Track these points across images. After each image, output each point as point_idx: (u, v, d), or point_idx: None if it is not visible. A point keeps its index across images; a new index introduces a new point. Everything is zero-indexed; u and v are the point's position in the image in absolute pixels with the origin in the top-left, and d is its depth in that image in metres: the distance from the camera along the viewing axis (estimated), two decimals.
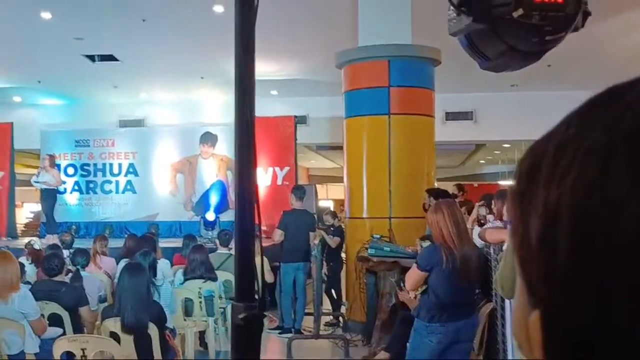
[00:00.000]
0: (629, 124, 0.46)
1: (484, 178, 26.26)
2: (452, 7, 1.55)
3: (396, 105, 9.16)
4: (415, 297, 5.17)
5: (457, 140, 16.23)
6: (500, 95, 15.26)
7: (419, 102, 9.35)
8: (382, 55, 9.15)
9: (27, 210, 25.53)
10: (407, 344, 4.54)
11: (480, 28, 1.52)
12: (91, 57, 13.04)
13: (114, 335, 5.15)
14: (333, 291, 10.30)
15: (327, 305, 9.99)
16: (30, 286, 6.00)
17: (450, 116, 15.59)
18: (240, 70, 1.44)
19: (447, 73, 10.31)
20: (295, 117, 14.94)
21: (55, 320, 5.87)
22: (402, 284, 5.64)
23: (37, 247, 9.12)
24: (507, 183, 20.66)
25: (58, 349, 4.91)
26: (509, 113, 15.20)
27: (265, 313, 6.35)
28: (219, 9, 10.45)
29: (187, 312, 7.33)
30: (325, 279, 9.81)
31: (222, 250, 8.63)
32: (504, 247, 3.84)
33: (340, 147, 9.99)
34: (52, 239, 10.99)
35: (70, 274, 6.75)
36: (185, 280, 7.48)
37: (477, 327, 4.77)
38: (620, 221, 0.44)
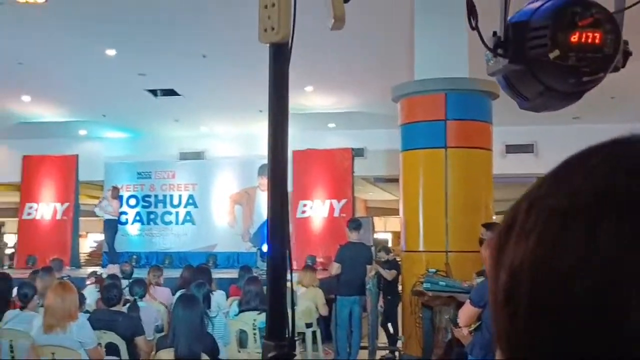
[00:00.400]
0: (590, 190, 0.47)
1: None
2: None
3: (453, 139, 9.08)
4: (470, 334, 5.08)
5: (517, 173, 15.97)
6: (562, 129, 14.99)
7: (476, 135, 9.26)
8: (439, 89, 9.11)
9: (91, 240, 26.18)
10: None
11: (517, 69, 1.52)
12: (153, 92, 13.41)
13: None
14: (390, 325, 10.19)
15: (383, 339, 9.88)
16: (88, 315, 6.14)
17: (511, 149, 15.39)
18: (273, 107, 1.47)
19: (507, 105, 10.12)
20: (353, 149, 15.00)
21: (112, 350, 5.98)
22: (457, 320, 5.56)
23: (104, 276, 9.35)
24: None
25: None
26: (571, 146, 14.18)
27: (321, 346, 6.33)
28: None
29: (242, 343, 7.36)
30: (382, 312, 9.72)
31: None
32: None
33: (397, 180, 9.95)
34: (113, 269, 11.24)
35: (128, 304, 6.89)
36: (240, 311, 7.53)
37: None
38: (572, 287, 0.45)
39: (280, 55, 1.44)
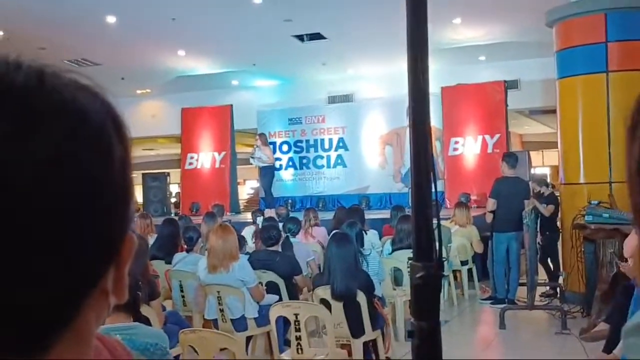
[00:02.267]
0: None
1: None
2: None
3: (615, 62, 8.51)
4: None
5: None
6: None
7: None
8: (598, 9, 8.56)
9: (248, 187, 27.23)
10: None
11: None
12: (300, 37, 13.49)
13: (325, 302, 5.33)
14: (550, 261, 9.85)
15: (542, 275, 9.59)
16: (248, 256, 6.39)
17: None
18: (412, 38, 1.38)
19: None
20: (505, 81, 14.42)
21: (272, 288, 6.21)
22: (622, 253, 5.27)
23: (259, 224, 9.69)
24: None
25: (273, 314, 5.18)
26: None
27: (477, 283, 6.23)
28: None
29: (397, 281, 7.40)
30: (540, 247, 9.42)
31: None
32: None
33: (555, 111, 9.48)
34: (270, 213, 11.61)
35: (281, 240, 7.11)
36: (394, 250, 7.55)
37: None
38: None
39: None
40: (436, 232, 1.40)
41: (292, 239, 7.34)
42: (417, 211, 1.41)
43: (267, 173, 14.31)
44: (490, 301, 8.95)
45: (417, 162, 1.42)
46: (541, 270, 9.46)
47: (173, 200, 18.40)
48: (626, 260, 4.95)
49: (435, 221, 1.43)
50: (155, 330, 3.63)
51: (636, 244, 4.09)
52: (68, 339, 0.58)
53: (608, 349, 5.14)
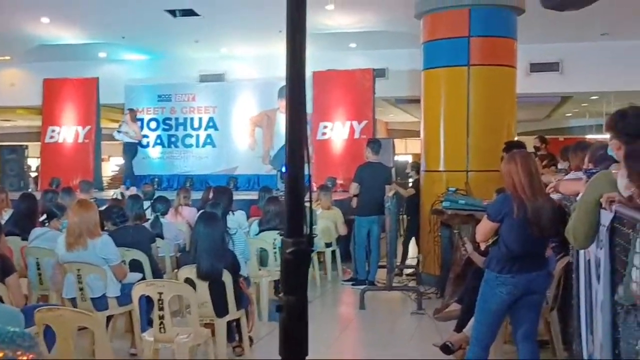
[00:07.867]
0: None
1: (570, 132, 25.43)
2: None
3: (476, 56, 8.92)
4: (484, 249, 5.11)
5: (541, 92, 15.71)
6: (589, 46, 14.60)
7: (500, 52, 9.07)
8: (463, 4, 8.91)
9: (112, 164, 26.39)
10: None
11: None
12: (172, 12, 13.18)
13: (190, 282, 5.31)
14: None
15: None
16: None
17: (536, 67, 15.03)
18: (292, 20, 1.41)
19: (533, 22, 9.94)
20: (374, 70, 14.78)
21: (135, 267, 6.10)
22: (465, 240, 5.61)
23: (119, 198, 9.44)
24: (595, 137, 19.94)
25: (137, 293, 5.10)
26: (599, 64, 14.55)
27: (340, 265, 6.36)
28: None
29: (262, 262, 7.48)
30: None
31: None
32: (578, 198, 3.71)
33: (419, 101, 9.84)
34: (132, 191, 11.36)
35: (150, 221, 6.98)
36: (261, 231, 7.61)
37: (550, 279, 4.66)
38: None
39: None
40: (307, 209, 1.45)
41: (162, 220, 7.23)
42: (290, 189, 1.45)
43: (130, 150, 13.97)
44: (351, 282, 9.23)
45: (292, 141, 1.47)
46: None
47: (33, 174, 17.51)
48: (478, 245, 5.27)
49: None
50: (9, 308, 3.49)
51: (488, 229, 4.37)
52: None
53: (459, 327, 5.46)
